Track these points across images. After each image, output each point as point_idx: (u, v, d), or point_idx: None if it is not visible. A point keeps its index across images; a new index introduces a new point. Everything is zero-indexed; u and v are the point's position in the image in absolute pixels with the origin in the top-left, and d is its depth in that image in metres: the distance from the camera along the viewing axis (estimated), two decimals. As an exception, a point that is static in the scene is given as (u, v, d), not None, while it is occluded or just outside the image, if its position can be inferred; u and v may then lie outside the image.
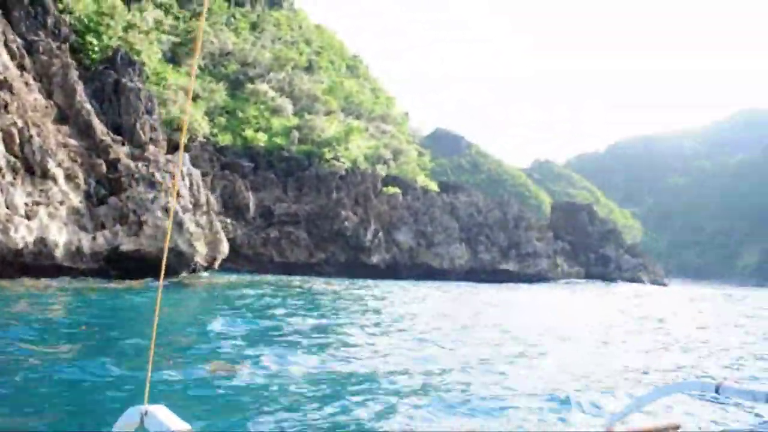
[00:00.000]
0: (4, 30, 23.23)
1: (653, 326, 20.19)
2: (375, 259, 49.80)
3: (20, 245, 19.57)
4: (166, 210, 21.47)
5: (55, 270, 20.87)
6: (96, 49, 30.01)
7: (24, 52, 24.26)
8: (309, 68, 66.58)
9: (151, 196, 21.66)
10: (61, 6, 30.74)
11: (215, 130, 47.65)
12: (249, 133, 49.63)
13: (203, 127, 44.88)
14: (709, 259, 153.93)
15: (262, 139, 49.80)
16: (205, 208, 24.62)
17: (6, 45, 22.83)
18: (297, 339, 11.38)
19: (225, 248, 26.50)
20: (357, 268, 47.40)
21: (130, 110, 26.62)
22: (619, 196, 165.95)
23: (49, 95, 24.65)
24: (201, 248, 21.83)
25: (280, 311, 16.44)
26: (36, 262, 20.42)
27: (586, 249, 79.72)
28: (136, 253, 21.22)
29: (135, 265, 21.31)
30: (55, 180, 21.38)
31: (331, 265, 47.22)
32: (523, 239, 65.91)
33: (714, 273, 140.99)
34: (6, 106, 20.70)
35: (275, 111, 54.54)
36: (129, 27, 37.56)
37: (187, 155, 26.16)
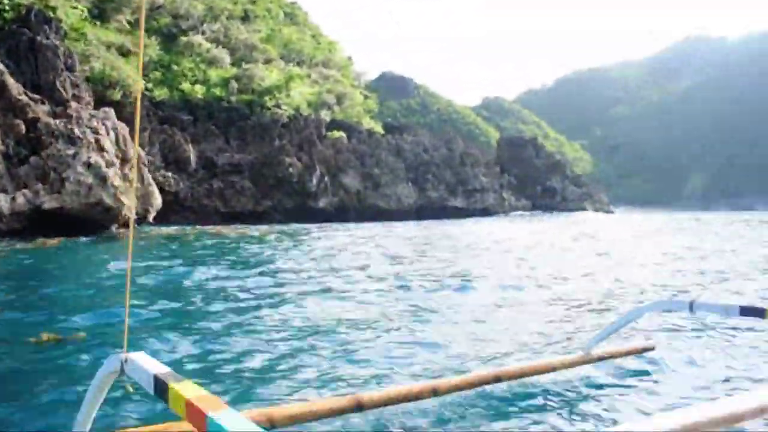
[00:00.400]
0: None
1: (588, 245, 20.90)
2: (322, 203, 50.91)
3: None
4: (88, 166, 21.78)
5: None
6: (7, 8, 29.32)
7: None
8: (245, 18, 65.38)
9: (72, 152, 21.88)
10: (-32, -36, 29.70)
11: (150, 85, 47.15)
12: (186, 86, 49.22)
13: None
14: (656, 186, 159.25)
15: (199, 91, 49.51)
16: (133, 162, 24.85)
17: None
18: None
19: (158, 201, 27.00)
20: (305, 213, 48.49)
21: (48, 68, 26.46)
22: (568, 129, 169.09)
23: (-38, 57, 24.30)
24: (129, 202, 22.24)
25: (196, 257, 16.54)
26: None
27: (533, 182, 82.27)
28: (60, 211, 21.40)
29: (62, 223, 21.48)
30: (-25, 142, 21.39)
31: (278, 212, 48.17)
32: (470, 175, 67.78)
33: (661, 200, 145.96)
34: None
35: (212, 62, 53.96)
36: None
37: (111, 110, 26.28)
